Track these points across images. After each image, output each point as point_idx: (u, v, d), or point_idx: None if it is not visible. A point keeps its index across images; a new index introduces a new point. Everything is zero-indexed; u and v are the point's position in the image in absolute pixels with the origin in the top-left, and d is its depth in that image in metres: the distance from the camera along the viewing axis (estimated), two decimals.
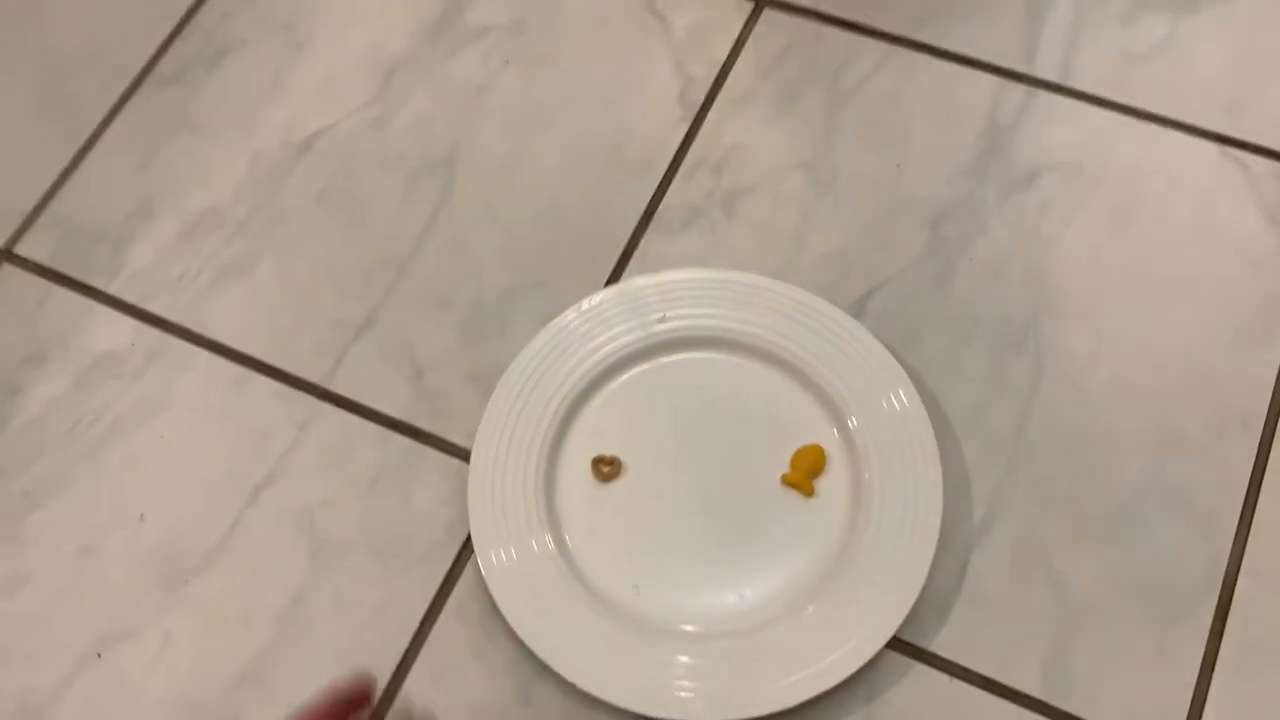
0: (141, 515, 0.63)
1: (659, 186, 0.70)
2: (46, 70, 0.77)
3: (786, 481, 0.60)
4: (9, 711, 0.59)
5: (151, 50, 0.77)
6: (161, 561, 0.62)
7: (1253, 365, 0.62)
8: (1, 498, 0.64)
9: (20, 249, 0.71)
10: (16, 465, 0.64)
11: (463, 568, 0.60)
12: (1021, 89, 0.71)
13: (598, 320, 0.63)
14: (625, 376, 0.63)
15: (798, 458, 0.60)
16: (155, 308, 0.68)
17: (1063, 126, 0.70)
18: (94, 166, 0.73)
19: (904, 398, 0.60)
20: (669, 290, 0.64)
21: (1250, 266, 0.65)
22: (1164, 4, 0.73)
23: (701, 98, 0.72)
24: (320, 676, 0.55)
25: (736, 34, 0.74)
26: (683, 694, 0.54)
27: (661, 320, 0.63)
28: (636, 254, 0.68)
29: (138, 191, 0.72)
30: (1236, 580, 0.57)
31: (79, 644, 0.60)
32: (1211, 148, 0.68)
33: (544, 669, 0.57)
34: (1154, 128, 0.69)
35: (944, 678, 0.56)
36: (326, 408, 0.65)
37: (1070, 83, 0.71)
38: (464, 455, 0.63)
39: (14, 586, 0.62)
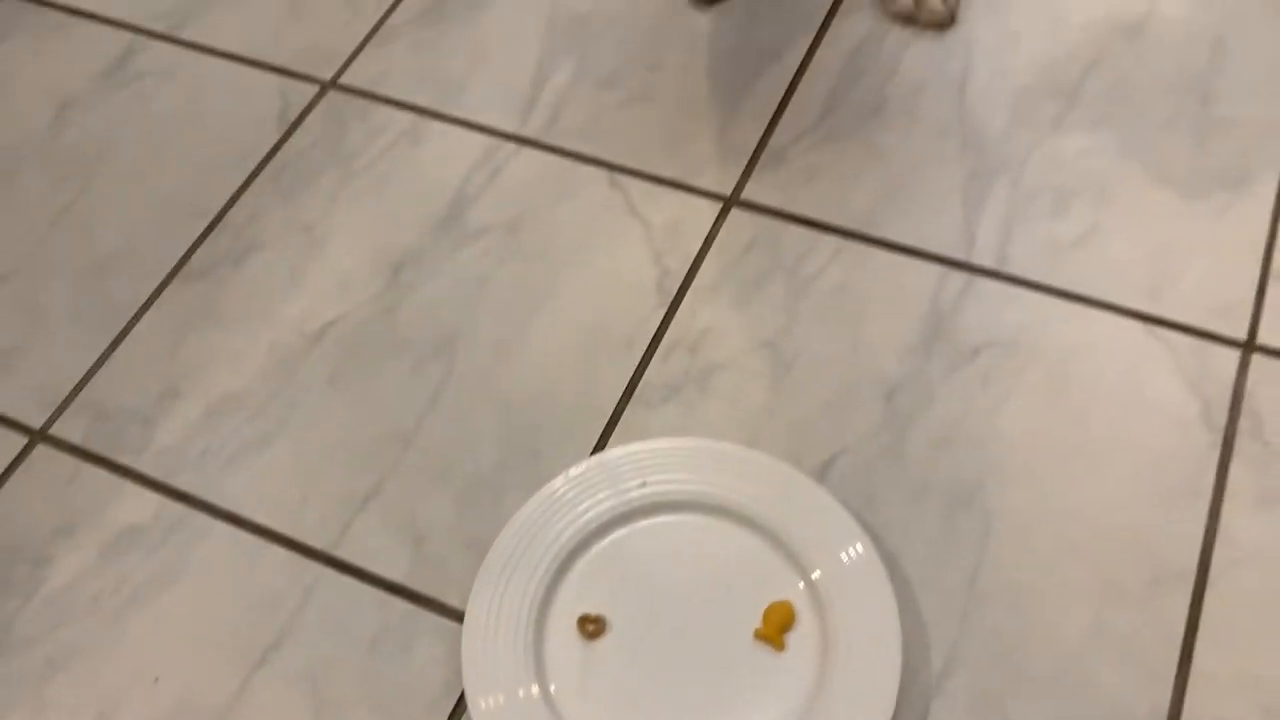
0: (156, 678, 0.67)
1: (639, 365, 0.77)
2: (86, 267, 0.85)
3: (759, 636, 0.64)
4: None
5: (183, 249, 0.86)
6: None
7: (1184, 522, 0.68)
8: (26, 664, 0.68)
9: (55, 430, 0.77)
10: (42, 633, 0.69)
11: None
12: (962, 275, 0.79)
13: (583, 488, 0.69)
14: (608, 539, 0.68)
15: (769, 614, 0.65)
16: (179, 483, 0.74)
17: (1000, 308, 0.77)
18: (126, 355, 0.81)
19: (864, 556, 0.65)
20: (648, 458, 0.70)
21: (1177, 432, 0.71)
22: (1087, 199, 0.82)
23: (676, 286, 0.80)
24: None
25: (707, 231, 0.83)
26: None
27: (642, 486, 0.69)
28: (620, 425, 0.74)
29: (166, 377, 0.79)
30: None
31: None
32: (1136, 325, 0.76)
33: None
34: (1083, 308, 0.77)
35: None
36: (332, 573, 0.70)
37: (1006, 269, 0.79)
38: (459, 617, 0.67)
39: None
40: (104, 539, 0.72)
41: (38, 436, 0.77)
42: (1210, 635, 0.64)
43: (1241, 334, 0.75)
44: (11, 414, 0.78)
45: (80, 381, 0.80)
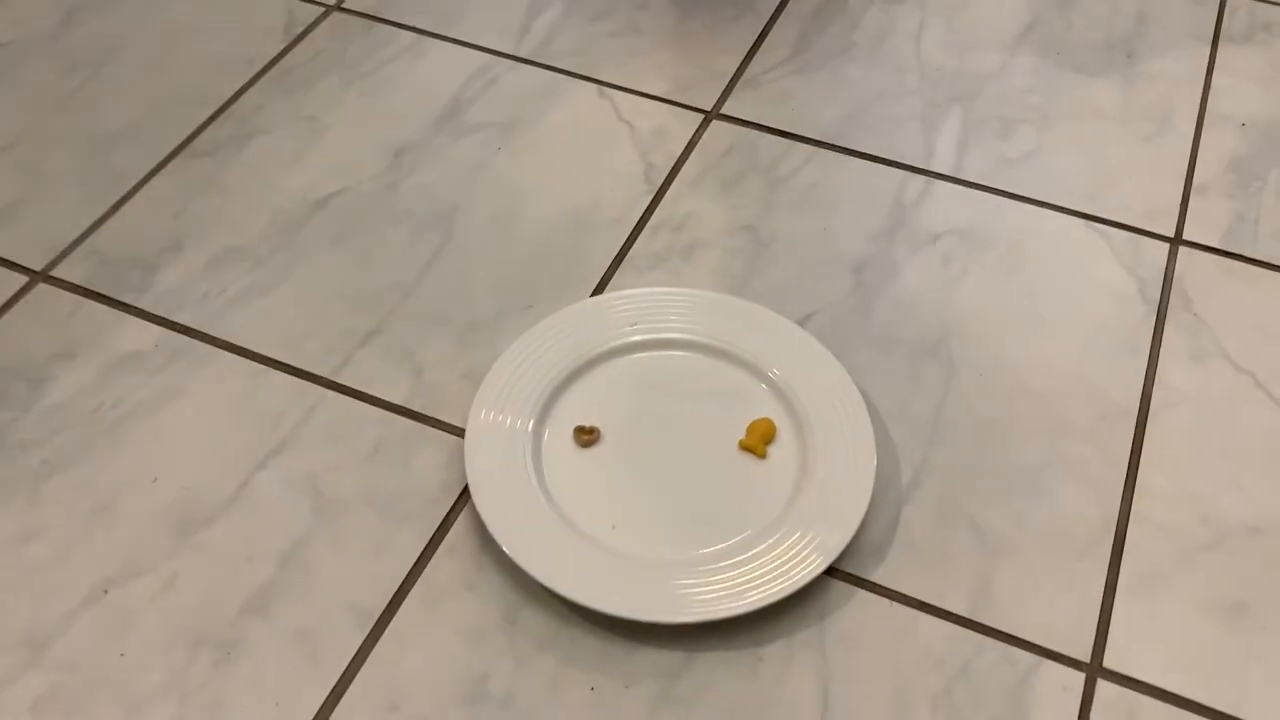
0: (155, 479, 0.68)
1: (628, 239, 0.82)
2: (91, 140, 0.88)
3: (743, 446, 0.69)
4: (14, 642, 0.61)
5: (189, 131, 0.89)
6: (172, 516, 0.67)
7: (1125, 372, 0.75)
8: (23, 466, 0.69)
9: (56, 272, 0.79)
10: (39, 440, 0.70)
11: (455, 518, 0.67)
12: (922, 179, 0.87)
13: (580, 321, 0.73)
14: (602, 367, 0.72)
15: (752, 427, 0.69)
16: (180, 318, 0.77)
17: (957, 205, 0.85)
18: (129, 213, 0.83)
19: (839, 379, 0.70)
20: (642, 300, 0.75)
21: (1117, 303, 0.79)
22: (1030, 126, 0.91)
23: (662, 179, 0.87)
24: (319, 607, 0.61)
25: (689, 137, 0.90)
26: (656, 600, 0.60)
27: (634, 325, 0.74)
28: (609, 286, 0.79)
29: (170, 232, 0.82)
30: (1127, 528, 0.67)
31: (87, 583, 0.64)
32: (1077, 222, 0.84)
33: (529, 597, 0.63)
34: (1030, 207, 0.85)
35: (884, 601, 0.63)
36: (333, 395, 0.73)
37: (961, 175, 0.87)
38: (459, 433, 0.70)
39: (28, 537, 0.66)
40: (104, 362, 0.74)
41: (39, 277, 0.79)
42: (1153, 460, 0.70)
43: (1170, 232, 0.83)
44: (13, 258, 0.80)
45: (83, 234, 0.82)
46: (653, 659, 0.61)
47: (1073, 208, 0.85)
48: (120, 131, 0.89)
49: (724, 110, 0.92)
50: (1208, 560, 0.66)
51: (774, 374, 0.71)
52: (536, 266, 0.80)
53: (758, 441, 0.68)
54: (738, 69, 0.96)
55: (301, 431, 0.71)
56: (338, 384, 0.73)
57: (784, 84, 0.94)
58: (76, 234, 0.82)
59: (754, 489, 0.67)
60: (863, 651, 0.61)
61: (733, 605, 0.60)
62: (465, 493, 0.67)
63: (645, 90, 0.93)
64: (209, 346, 0.75)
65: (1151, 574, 0.65)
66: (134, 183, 0.85)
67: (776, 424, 0.69)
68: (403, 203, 0.84)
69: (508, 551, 0.62)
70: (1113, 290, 0.80)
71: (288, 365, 0.74)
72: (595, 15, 1.00)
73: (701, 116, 0.92)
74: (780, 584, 0.61)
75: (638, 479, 0.67)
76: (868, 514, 0.65)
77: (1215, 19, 1.01)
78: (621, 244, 0.82)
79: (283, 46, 0.96)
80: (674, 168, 0.87)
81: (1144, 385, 0.74)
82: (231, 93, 0.92)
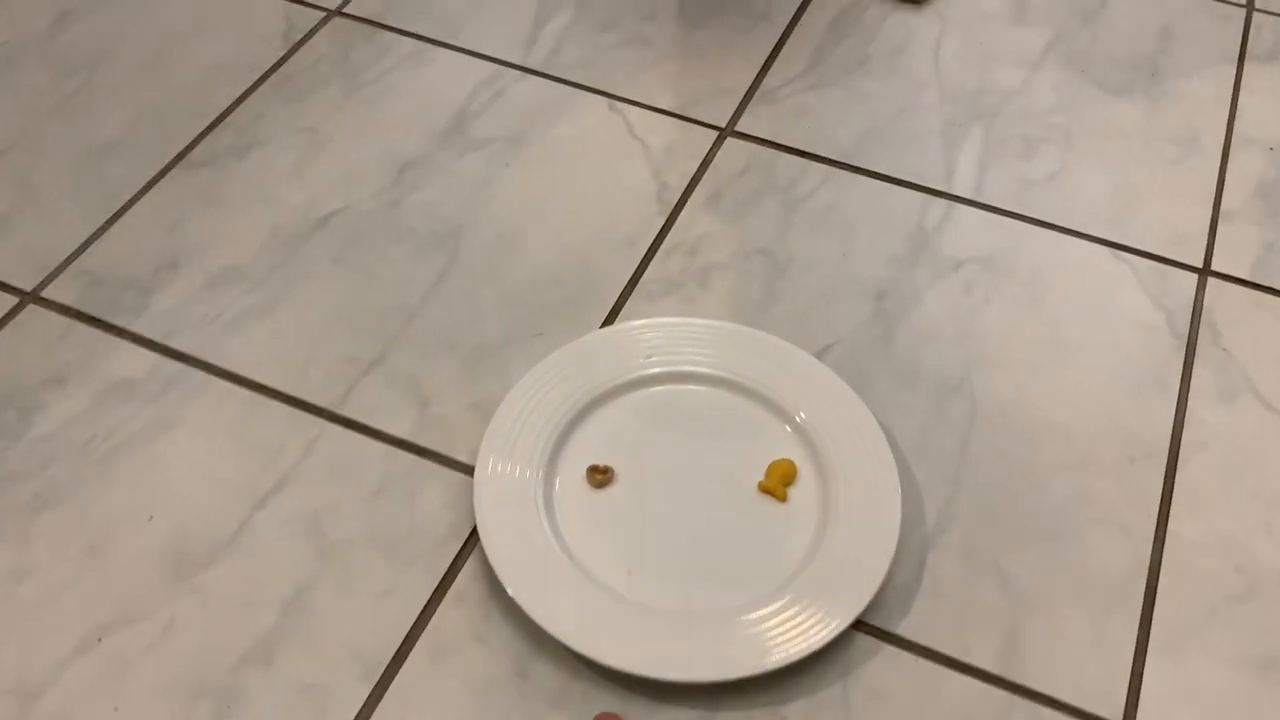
0: (151, 517, 0.66)
1: (641, 262, 0.80)
2: (84, 151, 0.85)
3: (762, 488, 0.66)
4: (3, 691, 0.59)
5: (185, 141, 0.86)
6: (168, 557, 0.64)
7: (1154, 410, 0.72)
8: (11, 500, 0.66)
9: (47, 293, 0.76)
10: (29, 472, 0.67)
11: (464, 562, 0.64)
12: (943, 202, 0.84)
13: (593, 354, 0.71)
14: (617, 402, 0.70)
15: (772, 468, 0.67)
16: (175, 343, 0.74)
17: (979, 230, 0.83)
18: (123, 230, 0.80)
19: (862, 420, 0.68)
20: (657, 331, 0.72)
21: (1144, 336, 0.76)
22: (1053, 146, 0.88)
23: (676, 199, 0.84)
24: (323, 656, 0.58)
25: (704, 155, 0.87)
26: (673, 657, 0.58)
27: (648, 357, 0.71)
28: (622, 314, 0.77)
29: (165, 251, 0.79)
30: (1159, 577, 0.65)
31: (80, 628, 0.61)
32: (1103, 250, 0.82)
33: (540, 648, 0.60)
34: (1054, 234, 0.83)
35: (910, 657, 0.61)
36: (335, 428, 0.70)
37: (983, 199, 0.85)
38: (466, 470, 0.68)
39: (18, 577, 0.63)
40: (96, 390, 0.71)
41: (28, 298, 0.76)
42: (1184, 504, 0.68)
43: (1198, 261, 0.81)
44: (1, 278, 0.77)
45: (74, 252, 0.79)
46: (671, 717, 0.58)
47: (1097, 235, 0.83)
48: (114, 141, 0.86)
49: (739, 127, 0.89)
50: (1241, 612, 0.64)
51: (796, 413, 0.69)
52: (546, 290, 0.78)
53: (778, 483, 0.66)
54: (752, 84, 0.93)
55: (303, 466, 0.68)
56: (340, 416, 0.71)
57: (800, 99, 0.91)
58: (68, 252, 0.79)
59: (774, 534, 0.64)
60: (888, 710, 0.59)
61: (754, 664, 0.58)
62: (474, 534, 0.65)
63: (657, 105, 0.91)
64: (205, 374, 0.72)
65: (1183, 626, 0.63)
66: (128, 197, 0.82)
67: (797, 464, 0.67)
68: (406, 221, 0.82)
69: (519, 603, 0.60)
70: (1140, 321, 0.77)
71: (288, 395, 0.71)
72: (602, 25, 0.97)
73: (716, 134, 0.89)
74: (803, 643, 0.59)
75: (654, 522, 0.65)
76: (892, 562, 0.63)
77: (1241, 36, 0.98)
78: (635, 268, 0.79)
79: (282, 53, 0.93)
80: (688, 187, 0.85)
81: (1173, 423, 0.72)
82: (229, 101, 0.89)
